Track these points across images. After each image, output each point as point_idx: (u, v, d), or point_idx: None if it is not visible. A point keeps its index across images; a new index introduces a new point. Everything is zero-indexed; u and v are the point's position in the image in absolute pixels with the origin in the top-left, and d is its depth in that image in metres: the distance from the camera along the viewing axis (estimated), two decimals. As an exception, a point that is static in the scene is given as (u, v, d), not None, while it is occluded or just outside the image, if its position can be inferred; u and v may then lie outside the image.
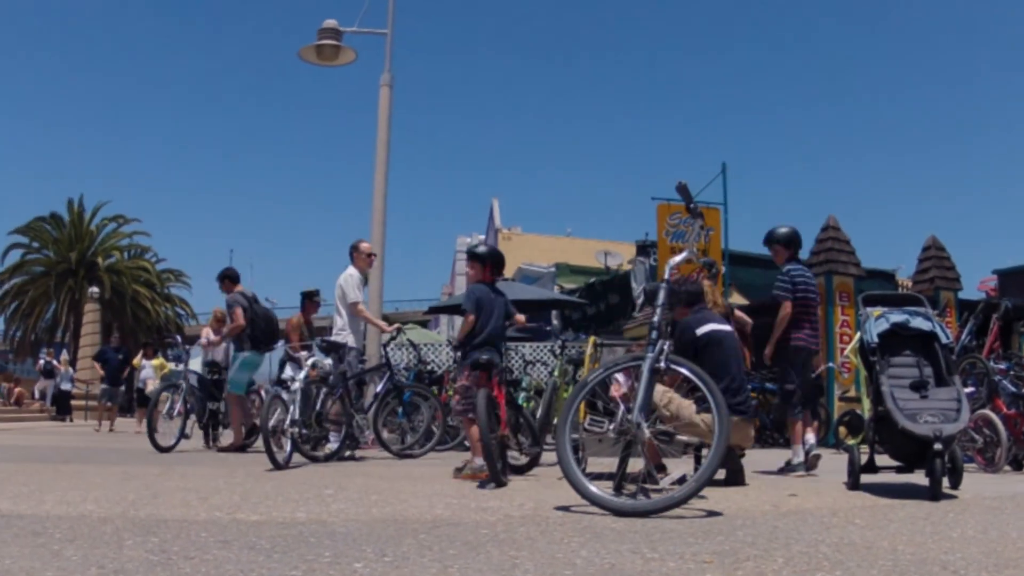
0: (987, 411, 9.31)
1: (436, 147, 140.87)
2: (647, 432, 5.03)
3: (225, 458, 10.38)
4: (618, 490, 5.26)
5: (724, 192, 21.43)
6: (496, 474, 6.74)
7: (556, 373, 10.84)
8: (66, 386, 28.87)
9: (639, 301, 27.20)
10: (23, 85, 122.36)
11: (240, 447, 11.67)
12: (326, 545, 3.71)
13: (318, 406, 9.42)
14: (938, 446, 5.89)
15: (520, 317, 8.65)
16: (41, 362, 33.20)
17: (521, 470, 7.93)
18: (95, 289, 36.63)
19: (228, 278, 12.34)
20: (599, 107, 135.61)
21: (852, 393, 16.44)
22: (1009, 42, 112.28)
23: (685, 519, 4.68)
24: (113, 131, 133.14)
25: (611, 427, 5.12)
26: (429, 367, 15.18)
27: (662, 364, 5.14)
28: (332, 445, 9.78)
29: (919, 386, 6.40)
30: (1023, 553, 3.75)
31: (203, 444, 12.41)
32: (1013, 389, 9.91)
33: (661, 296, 5.41)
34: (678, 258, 5.84)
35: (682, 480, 5.64)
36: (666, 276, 5.60)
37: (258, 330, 11.92)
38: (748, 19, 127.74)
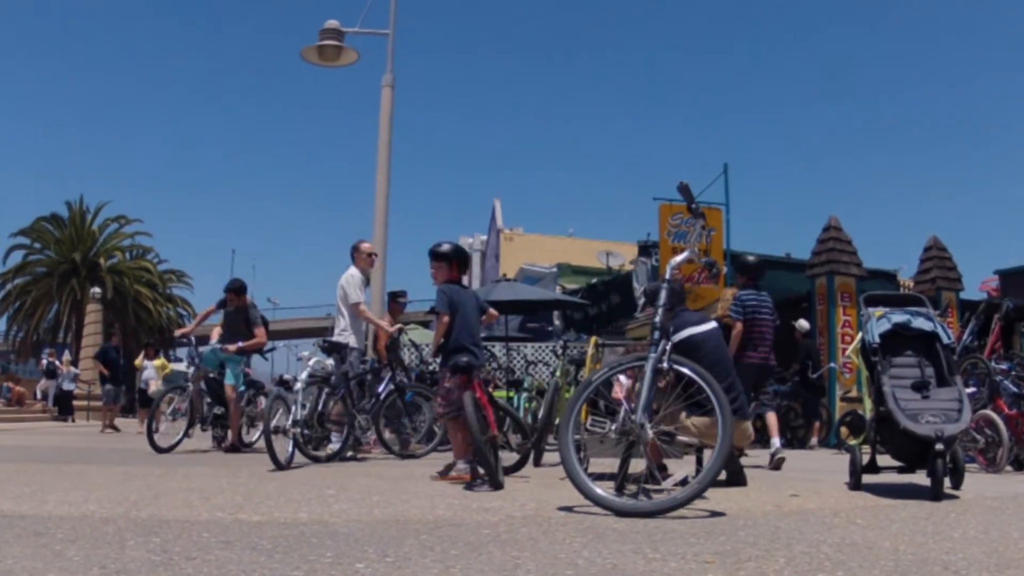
0: (989, 411, 9.31)
1: (438, 147, 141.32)
2: (650, 432, 5.03)
3: (227, 458, 10.38)
4: (620, 490, 5.27)
5: (726, 192, 21.46)
6: (493, 476, 6.72)
7: (558, 373, 10.84)
8: (68, 386, 28.86)
9: (640, 301, 27.22)
10: (24, 86, 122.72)
11: (236, 445, 11.76)
12: (328, 545, 3.72)
13: (320, 407, 9.42)
14: (940, 446, 5.89)
15: (493, 312, 8.62)
16: (43, 362, 33.21)
17: (512, 468, 7.92)
18: (97, 289, 36.62)
19: (237, 291, 12.48)
20: (601, 107, 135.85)
21: (854, 393, 16.49)
22: (1010, 42, 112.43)
23: (687, 519, 4.68)
24: (115, 132, 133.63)
25: (613, 427, 5.12)
26: (431, 367, 15.15)
27: (664, 364, 5.14)
28: (334, 446, 9.78)
29: (921, 386, 6.40)
30: (1025, 553, 3.76)
31: (212, 445, 12.39)
32: (1014, 389, 9.91)
33: (662, 296, 5.42)
34: (679, 258, 5.84)
35: (684, 481, 5.64)
36: (667, 276, 5.60)
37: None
38: (749, 19, 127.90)
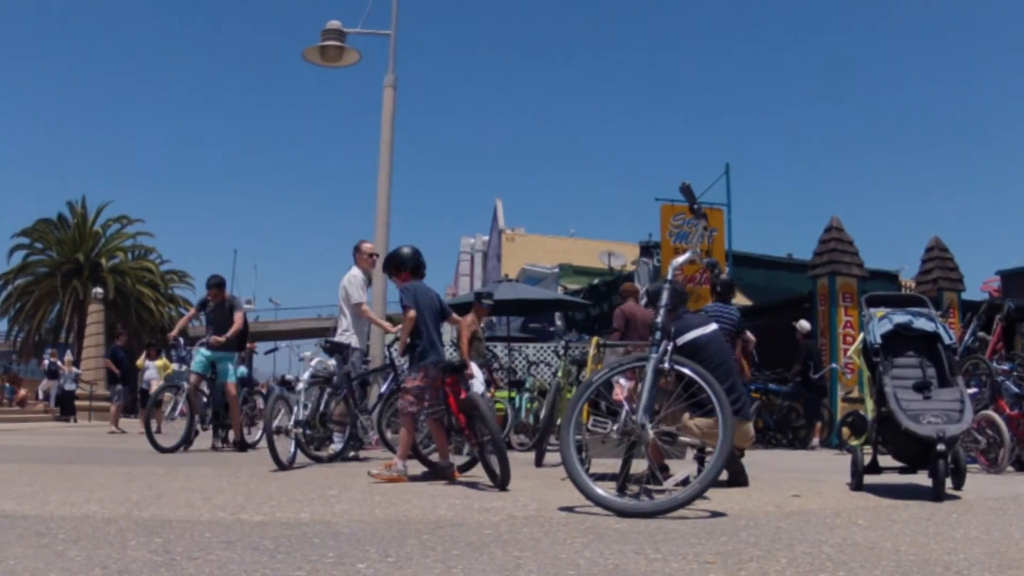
0: (990, 412, 9.30)
1: (440, 148, 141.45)
2: (651, 433, 5.03)
3: (229, 458, 10.39)
4: (621, 491, 5.27)
5: (728, 193, 21.51)
6: (506, 472, 6.75)
7: (560, 374, 10.84)
8: (70, 387, 28.86)
9: (642, 302, 27.18)
10: (25, 86, 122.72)
11: (240, 442, 11.83)
12: (330, 546, 3.72)
13: (322, 407, 9.42)
14: (941, 447, 5.89)
15: (455, 316, 8.64)
16: (45, 363, 33.23)
17: (464, 467, 7.91)
18: (99, 290, 36.66)
19: (219, 285, 12.57)
20: (602, 108, 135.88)
21: (855, 394, 16.48)
22: (1011, 43, 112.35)
23: (688, 520, 4.68)
24: (117, 132, 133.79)
25: (615, 428, 5.12)
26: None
27: (666, 365, 5.14)
28: (336, 446, 9.78)
29: (922, 387, 6.40)
30: (1026, 554, 3.76)
31: (217, 444, 12.39)
32: (1016, 390, 9.90)
33: (664, 297, 5.42)
34: (681, 259, 5.85)
35: (686, 482, 5.64)
36: (669, 277, 5.60)
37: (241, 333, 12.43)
38: (750, 20, 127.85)
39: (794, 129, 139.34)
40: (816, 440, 15.85)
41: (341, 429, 9.83)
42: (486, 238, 64.00)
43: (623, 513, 4.74)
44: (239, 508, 5.15)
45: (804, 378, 16.12)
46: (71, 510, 4.98)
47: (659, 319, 5.29)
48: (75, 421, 27.42)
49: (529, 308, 21.49)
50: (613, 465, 5.81)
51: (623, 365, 5.52)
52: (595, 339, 8.61)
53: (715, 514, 4.98)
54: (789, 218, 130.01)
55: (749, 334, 10.35)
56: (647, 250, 27.46)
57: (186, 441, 11.54)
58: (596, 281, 33.20)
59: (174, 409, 11.99)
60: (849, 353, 16.25)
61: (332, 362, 10.21)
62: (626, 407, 5.16)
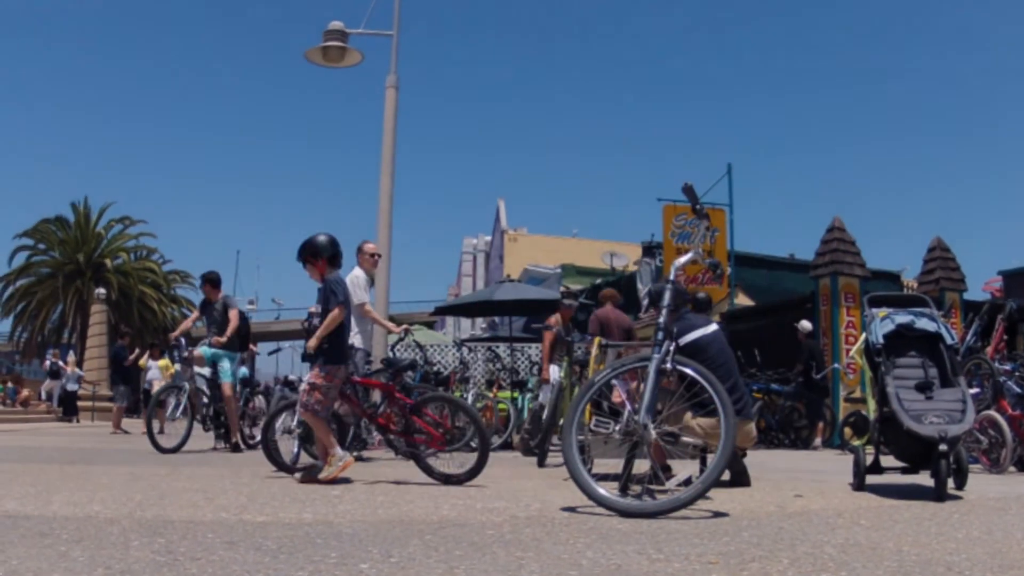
0: (992, 412, 9.30)
1: (442, 148, 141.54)
2: (653, 433, 5.04)
3: (231, 459, 10.39)
4: (624, 491, 5.27)
5: (730, 193, 21.52)
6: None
7: (562, 374, 10.84)
8: (72, 387, 28.89)
9: (644, 302, 27.20)
10: (27, 87, 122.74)
11: (237, 444, 11.87)
12: (332, 546, 3.72)
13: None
14: (943, 447, 5.89)
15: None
16: (47, 363, 33.26)
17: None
18: (102, 290, 36.65)
19: (213, 282, 12.65)
20: (604, 108, 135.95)
21: (857, 394, 16.47)
22: (1016, 43, 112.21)
23: (690, 520, 4.68)
24: (120, 133, 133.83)
25: (617, 428, 5.13)
26: (435, 368, 15.18)
27: (668, 365, 5.15)
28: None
29: (924, 387, 6.40)
30: (1028, 554, 3.76)
31: (218, 445, 12.40)
32: (1018, 390, 9.90)
33: (666, 297, 5.42)
34: (683, 259, 5.85)
35: (688, 482, 5.64)
36: (671, 277, 5.61)
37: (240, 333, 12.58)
38: (752, 20, 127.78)
39: (796, 129, 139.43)
40: (818, 440, 15.85)
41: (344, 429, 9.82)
42: (488, 238, 64.02)
43: (625, 513, 4.74)
44: (242, 508, 5.15)
45: (806, 378, 16.13)
46: (74, 510, 4.98)
47: (661, 319, 5.29)
48: (78, 421, 27.45)
49: (531, 308, 21.46)
50: (615, 465, 5.82)
51: (626, 365, 5.52)
52: (597, 339, 8.60)
53: (717, 514, 4.99)
54: (791, 218, 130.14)
55: None
56: (649, 250, 27.46)
57: (187, 438, 11.56)
58: (598, 281, 33.18)
59: (176, 409, 11.99)
60: (851, 353, 16.24)
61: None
62: (628, 407, 5.16)
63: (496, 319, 37.77)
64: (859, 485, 6.71)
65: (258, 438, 12.65)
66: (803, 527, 4.53)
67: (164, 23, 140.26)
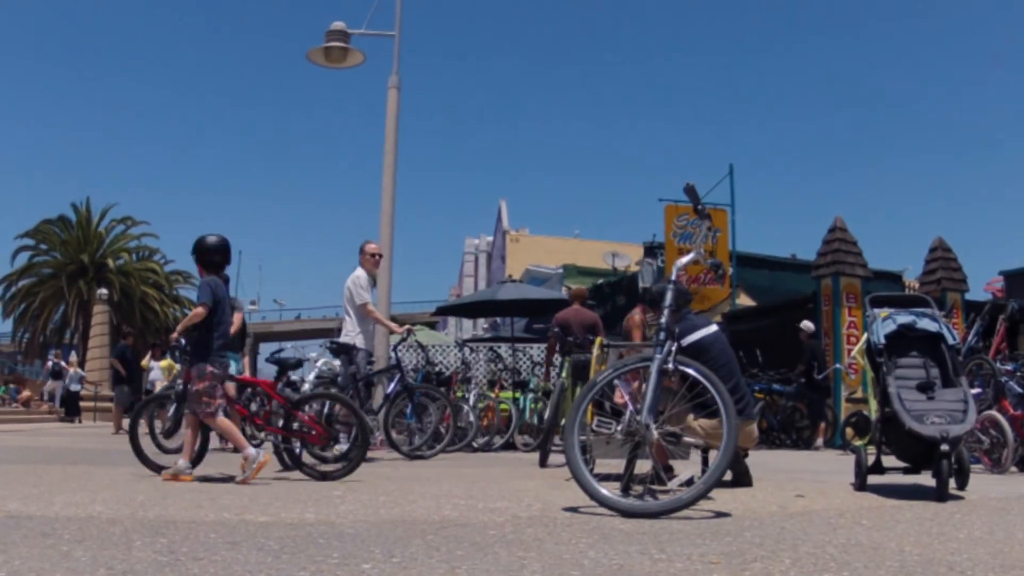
0: (994, 412, 9.30)
1: (444, 149, 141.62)
2: (655, 433, 5.04)
3: (233, 459, 10.37)
4: (626, 491, 5.27)
5: (731, 194, 21.52)
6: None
7: (564, 374, 10.85)
8: (75, 387, 28.90)
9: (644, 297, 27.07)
10: (28, 88, 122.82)
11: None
12: (334, 546, 3.73)
13: (327, 408, 9.42)
14: (945, 447, 5.89)
15: (238, 315, 8.72)
16: (49, 363, 33.29)
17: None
18: (104, 291, 36.67)
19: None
20: (606, 109, 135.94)
21: (859, 394, 16.47)
22: (1015, 43, 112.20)
23: (693, 520, 4.68)
24: (122, 134, 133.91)
25: (619, 428, 5.13)
26: (437, 368, 15.19)
27: (670, 365, 5.15)
28: (342, 446, 9.78)
29: (926, 387, 6.40)
30: (1030, 554, 3.76)
31: (221, 444, 12.41)
32: (1020, 390, 9.90)
33: (668, 297, 5.42)
34: (685, 259, 5.84)
35: (690, 482, 5.64)
36: (672, 277, 5.61)
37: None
38: (754, 21, 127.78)
39: (797, 130, 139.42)
40: (820, 440, 15.84)
41: (347, 430, 9.83)
42: (490, 239, 64.01)
43: (627, 513, 4.74)
44: (244, 509, 5.16)
45: (808, 379, 16.13)
46: (76, 511, 4.99)
47: (663, 320, 5.29)
48: (80, 422, 27.46)
49: (533, 309, 21.48)
50: (617, 465, 5.82)
51: (628, 366, 5.52)
52: (599, 339, 8.61)
53: (719, 514, 4.99)
54: (793, 219, 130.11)
55: None
56: (651, 251, 27.45)
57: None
58: (600, 282, 33.18)
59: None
60: (853, 353, 16.23)
61: (338, 363, 10.23)
62: (630, 407, 5.16)
63: (498, 319, 37.77)
64: (861, 485, 6.71)
65: (260, 438, 12.68)
66: (805, 527, 4.53)
67: (165, 24, 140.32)
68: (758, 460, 8.49)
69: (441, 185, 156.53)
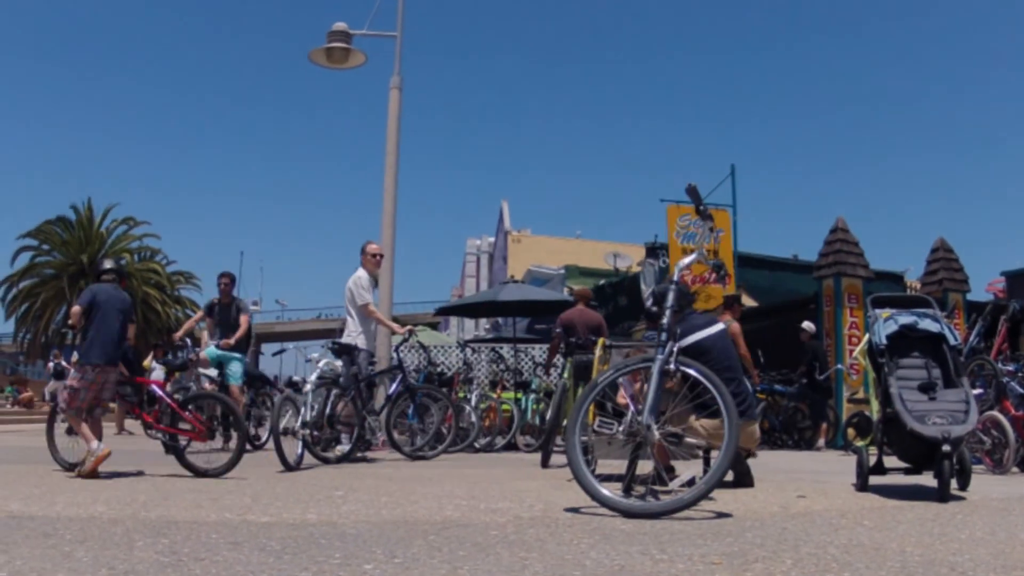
0: (995, 413, 9.29)
1: (446, 149, 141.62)
2: (656, 434, 5.04)
3: (252, 457, 10.40)
4: (627, 492, 5.27)
5: (733, 194, 21.46)
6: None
7: (566, 375, 10.85)
8: (76, 388, 28.84)
9: (648, 303, 27.09)
10: (30, 89, 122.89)
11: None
12: (336, 547, 3.73)
13: (329, 408, 9.44)
14: (946, 448, 5.89)
15: (131, 328, 9.02)
16: (51, 364, 33.26)
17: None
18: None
19: (233, 278, 12.76)
20: (608, 109, 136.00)
21: (860, 395, 16.45)
22: (1017, 43, 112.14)
23: (694, 520, 4.68)
24: (123, 134, 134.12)
25: (620, 429, 5.13)
26: (439, 369, 15.18)
27: (672, 366, 5.15)
28: (344, 447, 9.80)
29: (927, 388, 6.40)
30: (1031, 555, 3.76)
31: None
32: (1021, 391, 9.88)
33: (670, 298, 5.42)
34: (687, 260, 5.85)
35: (691, 482, 5.64)
36: (675, 278, 5.61)
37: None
38: (756, 22, 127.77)
39: (799, 128, 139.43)
40: (821, 441, 15.83)
41: (348, 430, 9.85)
42: (492, 239, 64.05)
43: (629, 514, 4.74)
44: (246, 509, 5.16)
45: (809, 379, 16.12)
46: (77, 511, 5.00)
47: (664, 320, 5.30)
48: (82, 422, 27.43)
49: (535, 309, 21.47)
50: (619, 466, 5.82)
51: (629, 366, 5.52)
52: (601, 340, 8.60)
53: (721, 515, 4.99)
54: (794, 219, 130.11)
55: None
56: (653, 251, 27.41)
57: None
58: (602, 282, 33.15)
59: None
60: (854, 354, 16.22)
61: (339, 363, 10.24)
62: (632, 408, 5.17)
63: (500, 320, 37.79)
64: (862, 486, 6.70)
65: (263, 438, 12.71)
66: (806, 528, 4.53)
67: (165, 24, 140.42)
68: (759, 460, 8.48)
69: (442, 184, 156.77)
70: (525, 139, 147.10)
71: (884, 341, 6.71)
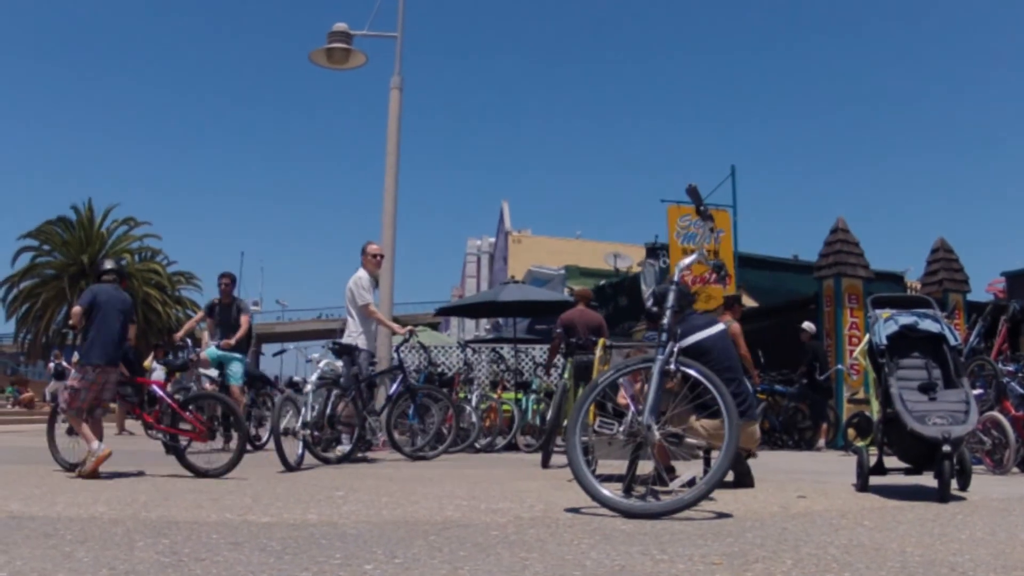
0: (995, 413, 9.29)
1: (446, 149, 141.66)
2: (657, 434, 5.04)
3: (251, 458, 10.40)
4: (628, 492, 5.27)
5: (733, 194, 21.46)
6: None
7: (566, 375, 10.85)
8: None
9: (648, 303, 27.04)
10: (31, 89, 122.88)
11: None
12: (337, 547, 3.73)
13: (329, 408, 9.44)
14: (947, 448, 5.89)
15: (132, 326, 9.06)
16: (52, 364, 33.27)
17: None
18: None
19: (233, 278, 12.77)
20: (609, 110, 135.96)
21: (861, 395, 16.45)
22: (1017, 42, 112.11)
23: (694, 521, 4.69)
24: (124, 135, 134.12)
25: (621, 429, 5.13)
26: (439, 369, 15.18)
27: (672, 366, 5.15)
28: (344, 447, 9.80)
29: (928, 388, 6.39)
30: (1031, 555, 3.76)
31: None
32: (1021, 391, 9.88)
33: (670, 299, 5.42)
34: (688, 260, 5.85)
35: (692, 482, 5.64)
36: (675, 278, 5.61)
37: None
38: (757, 22, 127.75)
39: (799, 130, 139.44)
40: (822, 441, 15.83)
41: (349, 430, 9.85)
42: (492, 240, 64.08)
43: (629, 514, 4.74)
44: (246, 509, 5.17)
45: (810, 379, 16.12)
46: (78, 511, 5.00)
47: (665, 320, 5.30)
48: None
49: (535, 310, 21.48)
50: (619, 466, 5.81)
51: (630, 366, 5.52)
52: (602, 340, 8.60)
53: (721, 515, 4.99)
54: (794, 219, 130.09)
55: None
56: (653, 251, 27.40)
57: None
58: (602, 283, 33.14)
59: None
60: (855, 354, 16.23)
61: (340, 364, 10.24)
62: (632, 408, 5.17)
63: (500, 320, 37.78)
64: (862, 486, 6.70)
65: (264, 439, 12.72)
66: (807, 528, 4.53)
67: (165, 24, 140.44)
68: (759, 461, 8.48)
69: (443, 185, 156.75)
70: (525, 139, 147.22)
71: (884, 341, 6.71)
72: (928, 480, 6.38)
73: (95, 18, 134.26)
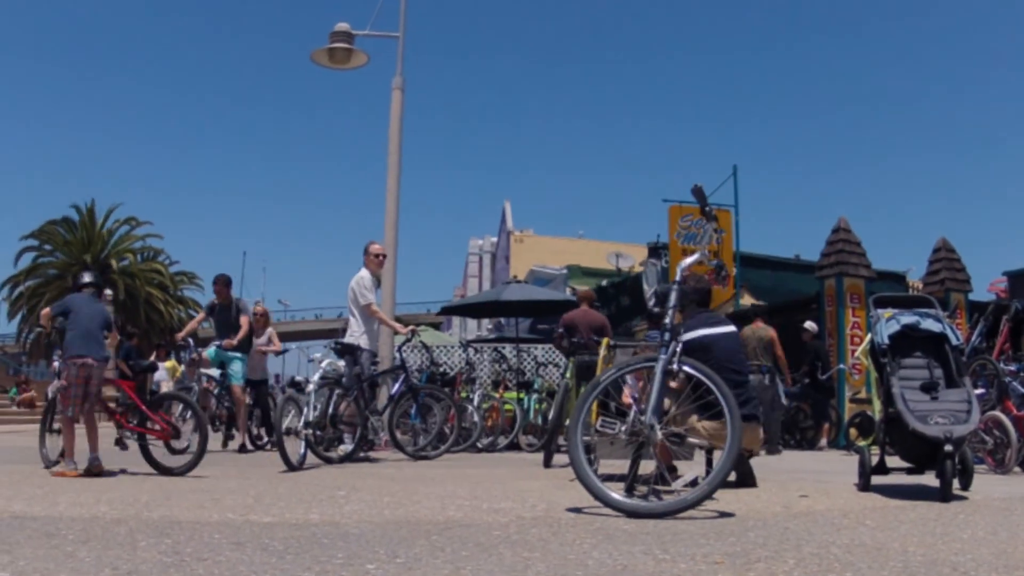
0: (997, 412, 9.28)
1: (448, 149, 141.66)
2: (659, 434, 5.04)
3: (238, 459, 10.41)
4: (630, 491, 5.27)
5: (735, 194, 21.49)
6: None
7: (568, 375, 10.85)
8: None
9: (651, 303, 27.04)
10: (32, 89, 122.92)
11: (244, 446, 11.97)
12: (339, 547, 3.73)
13: (332, 408, 9.44)
14: (948, 447, 5.89)
15: (114, 334, 9.16)
16: (54, 364, 33.30)
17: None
18: (108, 291, 36.62)
19: (226, 284, 12.79)
20: (610, 110, 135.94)
21: (863, 395, 16.44)
22: (1017, 42, 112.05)
23: (697, 520, 4.69)
24: (126, 135, 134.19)
25: (623, 428, 5.13)
26: (441, 369, 15.18)
27: (675, 366, 5.15)
28: (346, 447, 9.80)
29: (929, 388, 6.39)
30: (1034, 554, 3.76)
31: (220, 446, 12.44)
32: (1023, 390, 9.88)
33: (672, 298, 5.42)
34: (689, 260, 5.84)
35: (694, 482, 5.65)
36: (677, 278, 5.61)
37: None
38: (758, 22, 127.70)
39: (800, 130, 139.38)
40: (824, 441, 15.84)
41: (351, 430, 9.85)
42: (495, 239, 64.08)
43: (632, 514, 4.74)
44: (248, 509, 5.17)
45: (812, 379, 16.11)
46: (80, 511, 5.00)
47: (668, 320, 5.30)
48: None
49: (538, 309, 21.49)
50: (622, 466, 5.81)
51: (632, 366, 5.53)
52: (605, 340, 8.60)
53: (723, 515, 4.99)
54: (796, 219, 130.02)
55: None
56: (655, 251, 27.39)
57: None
58: (604, 282, 33.13)
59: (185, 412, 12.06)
60: (856, 354, 16.20)
61: (342, 363, 10.25)
62: (635, 408, 5.17)
63: (502, 320, 37.73)
64: (864, 486, 6.70)
65: (265, 439, 12.73)
66: (809, 528, 4.53)
67: (165, 24, 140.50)
68: (761, 461, 8.50)
69: (445, 184, 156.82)
70: (527, 139, 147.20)
71: (886, 341, 6.71)
72: (930, 480, 6.37)
73: (95, 18, 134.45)
